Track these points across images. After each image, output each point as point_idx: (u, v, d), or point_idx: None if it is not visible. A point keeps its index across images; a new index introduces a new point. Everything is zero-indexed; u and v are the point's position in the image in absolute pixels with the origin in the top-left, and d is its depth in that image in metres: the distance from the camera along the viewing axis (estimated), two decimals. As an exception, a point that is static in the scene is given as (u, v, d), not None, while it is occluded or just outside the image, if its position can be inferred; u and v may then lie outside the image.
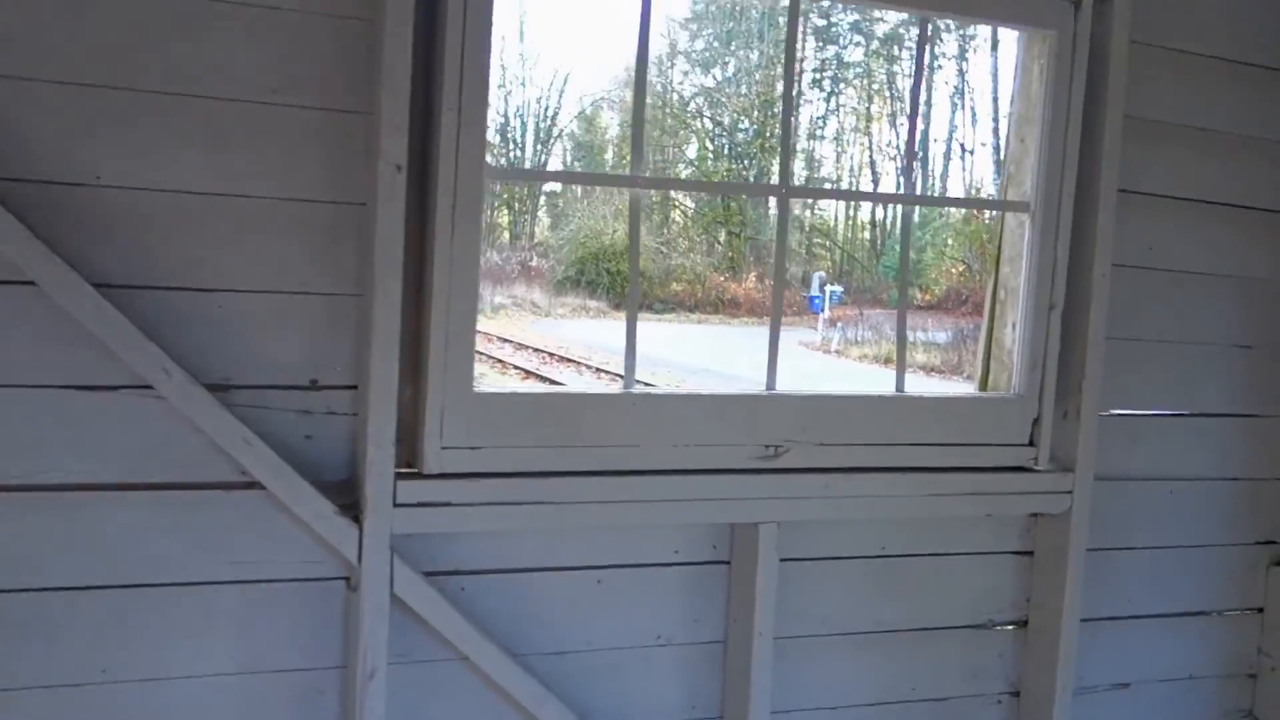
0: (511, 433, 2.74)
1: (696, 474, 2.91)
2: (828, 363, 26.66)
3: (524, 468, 2.73)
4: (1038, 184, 3.22)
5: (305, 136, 2.48)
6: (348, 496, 2.54)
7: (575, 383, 17.72)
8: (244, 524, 2.50)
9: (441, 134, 2.53)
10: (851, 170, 69.00)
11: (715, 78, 63.27)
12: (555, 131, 68.59)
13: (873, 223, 66.37)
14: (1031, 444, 3.31)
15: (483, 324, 31.29)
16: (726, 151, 60.04)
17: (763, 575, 2.96)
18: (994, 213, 4.61)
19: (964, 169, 60.54)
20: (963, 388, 20.11)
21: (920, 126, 63.12)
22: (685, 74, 66.39)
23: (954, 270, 50.62)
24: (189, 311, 2.43)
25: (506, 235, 65.91)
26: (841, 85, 65.67)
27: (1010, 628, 3.48)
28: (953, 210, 58.01)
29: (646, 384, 16.66)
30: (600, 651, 2.97)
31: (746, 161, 58.22)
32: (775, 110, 61.26)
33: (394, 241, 2.48)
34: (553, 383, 17.36)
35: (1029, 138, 3.28)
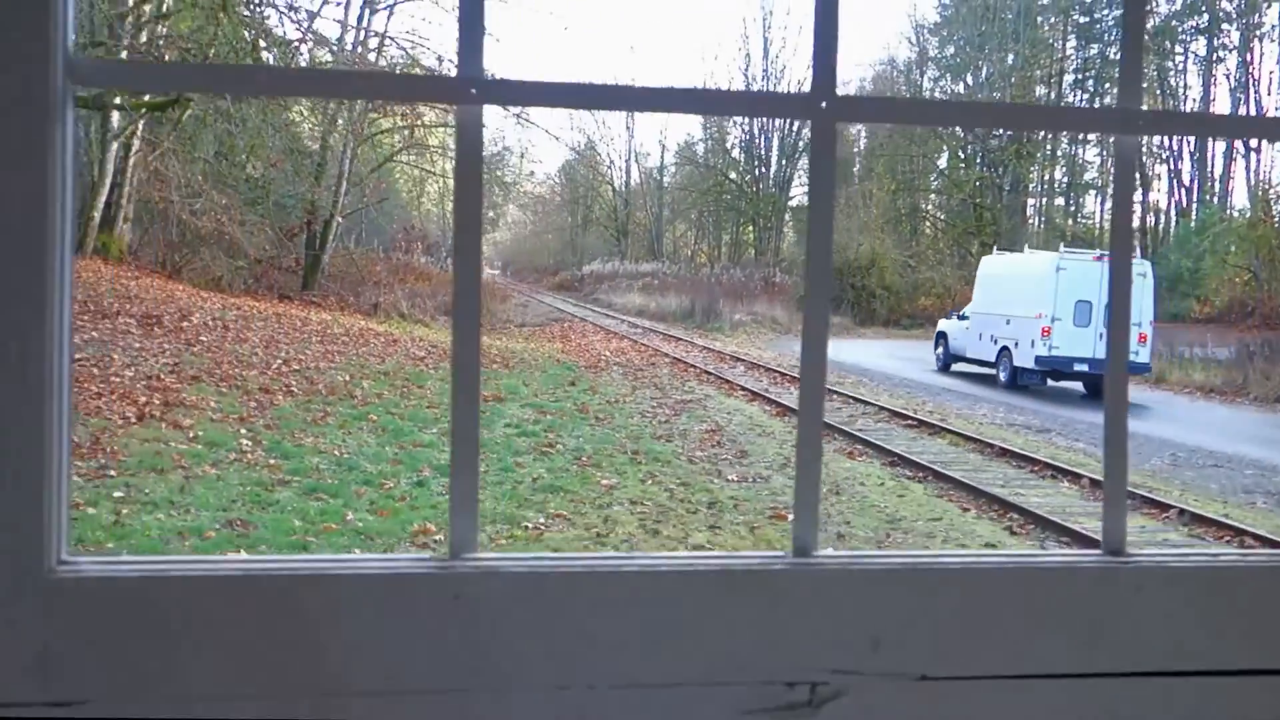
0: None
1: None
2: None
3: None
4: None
5: None
6: None
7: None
8: None
9: None
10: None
11: (966, 83, 61.17)
12: (801, 145, 68.04)
13: (1143, 229, 62.77)
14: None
15: (720, 343, 31.10)
16: (980, 159, 57.87)
17: None
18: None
19: (1248, 167, 56.03)
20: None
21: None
22: (935, 81, 64.65)
23: (1238, 280, 46.94)
24: None
25: (752, 251, 65.99)
26: (1106, 85, 62.26)
27: None
28: (1236, 213, 53.98)
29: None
30: None
31: (1000, 169, 55.91)
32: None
33: None
34: (778, 404, 16.78)
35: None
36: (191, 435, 9.99)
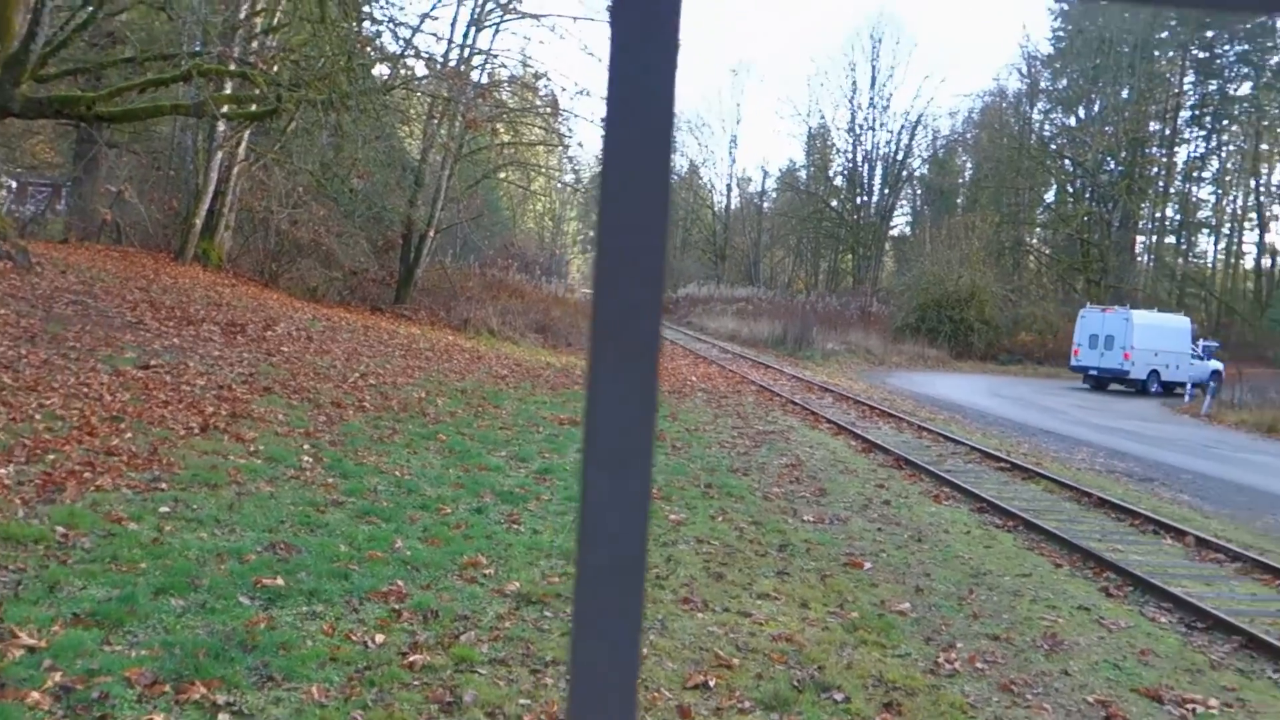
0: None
1: None
2: (1197, 430, 23.79)
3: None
4: None
5: None
6: None
7: (891, 439, 16.38)
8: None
9: None
10: (1233, 213, 63.28)
11: (1078, 116, 59.62)
12: (904, 174, 67.02)
13: (1258, 271, 60.53)
14: None
15: (811, 371, 30.42)
16: (1089, 194, 56.26)
17: None
18: None
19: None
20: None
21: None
22: (1045, 113, 63.16)
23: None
24: None
25: (850, 279, 65.08)
26: (1225, 121, 60.31)
27: None
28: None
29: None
30: None
31: (1110, 204, 54.27)
32: (1146, 149, 56.97)
33: None
34: (863, 439, 16.13)
35: None
36: (252, 449, 9.76)
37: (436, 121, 31.28)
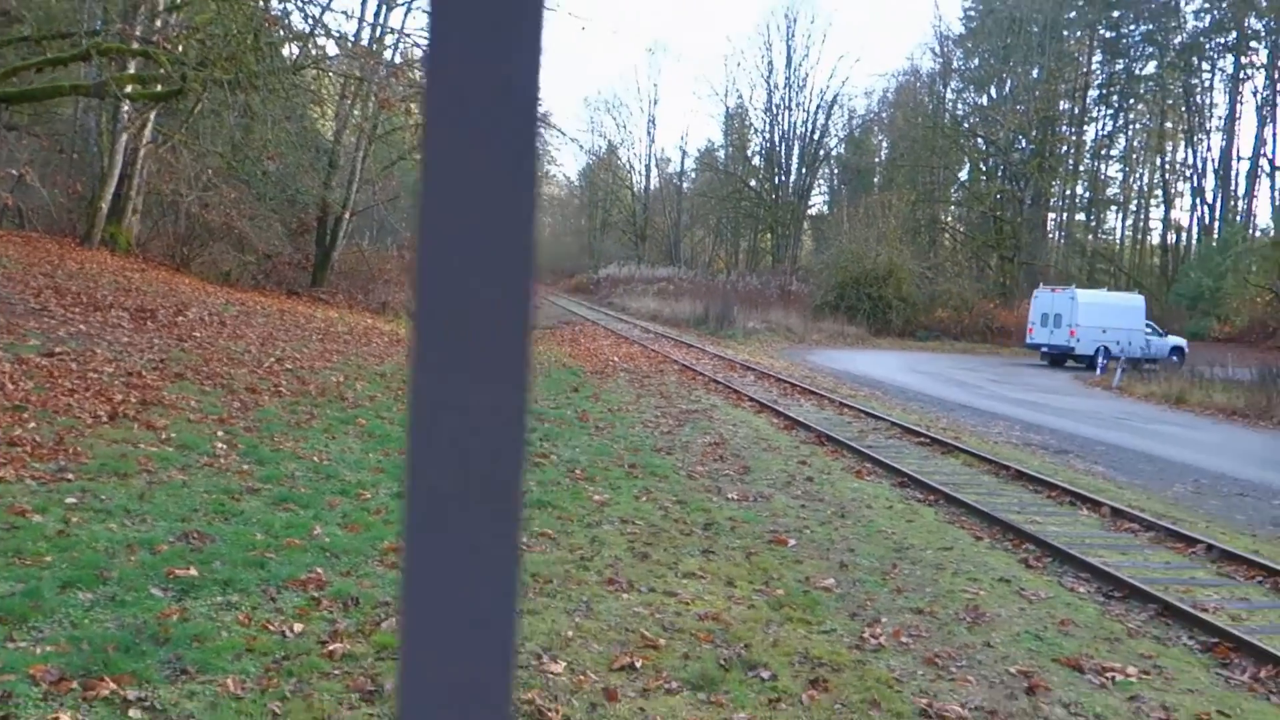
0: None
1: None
2: (1108, 402, 24.31)
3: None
4: None
5: None
6: None
7: (813, 416, 16.48)
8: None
9: None
10: (1140, 190, 64.71)
11: (990, 95, 60.51)
12: (821, 154, 67.50)
13: (1164, 246, 62.04)
14: None
15: (733, 350, 30.55)
16: (1001, 172, 57.17)
17: None
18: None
19: (1272, 186, 55.20)
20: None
21: (1221, 142, 58.35)
22: (958, 92, 64.02)
23: (1260, 300, 46.30)
24: None
25: (769, 259, 65.44)
26: (1131, 100, 61.63)
27: None
28: (1259, 232, 53.17)
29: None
30: None
31: (1022, 183, 55.19)
32: (1056, 128, 58.01)
33: None
34: (786, 417, 16.22)
35: None
36: (164, 437, 9.49)
37: (349, 102, 30.76)
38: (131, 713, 4.54)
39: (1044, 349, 35.20)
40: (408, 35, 31.08)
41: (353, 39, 26.38)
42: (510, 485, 0.52)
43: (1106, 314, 34.08)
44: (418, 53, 33.58)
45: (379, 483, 9.16)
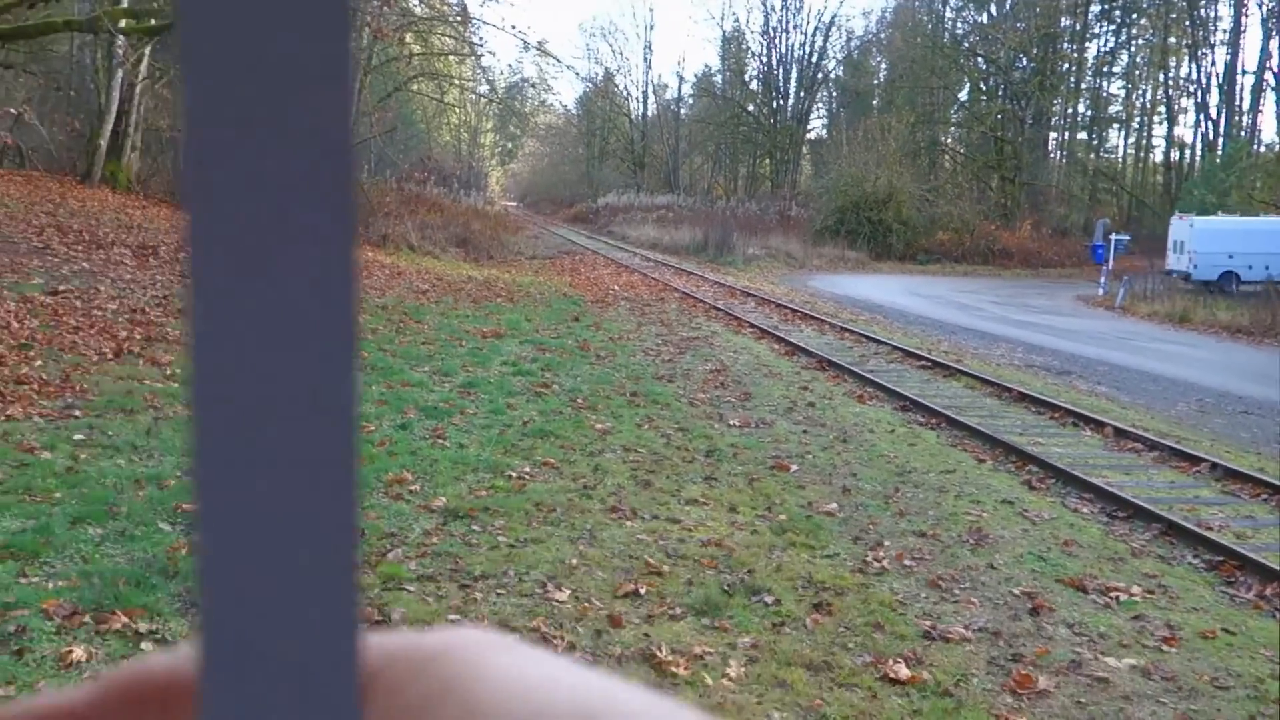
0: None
1: None
2: (1111, 322, 24.31)
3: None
4: None
5: None
6: None
7: (814, 341, 16.48)
8: None
9: None
10: (1143, 108, 64.07)
11: (990, 13, 59.67)
12: (819, 76, 66.78)
13: (1167, 164, 61.54)
14: None
15: (733, 277, 30.48)
16: (1001, 92, 56.56)
17: None
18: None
19: (1277, 101, 54.59)
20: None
21: (1225, 57, 57.65)
22: (957, 10, 63.12)
23: (1265, 215, 45.98)
24: None
25: (769, 184, 65.01)
26: (1134, 15, 60.76)
27: None
28: (1263, 148, 52.71)
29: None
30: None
31: (1023, 102, 54.63)
32: (1058, 45, 57.30)
33: None
34: (786, 342, 16.23)
35: None
36: (169, 372, 9.52)
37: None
38: (143, 645, 4.61)
39: (1174, 274, 34.54)
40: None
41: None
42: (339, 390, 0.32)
43: (1234, 239, 33.38)
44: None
45: (382, 415, 9.20)
